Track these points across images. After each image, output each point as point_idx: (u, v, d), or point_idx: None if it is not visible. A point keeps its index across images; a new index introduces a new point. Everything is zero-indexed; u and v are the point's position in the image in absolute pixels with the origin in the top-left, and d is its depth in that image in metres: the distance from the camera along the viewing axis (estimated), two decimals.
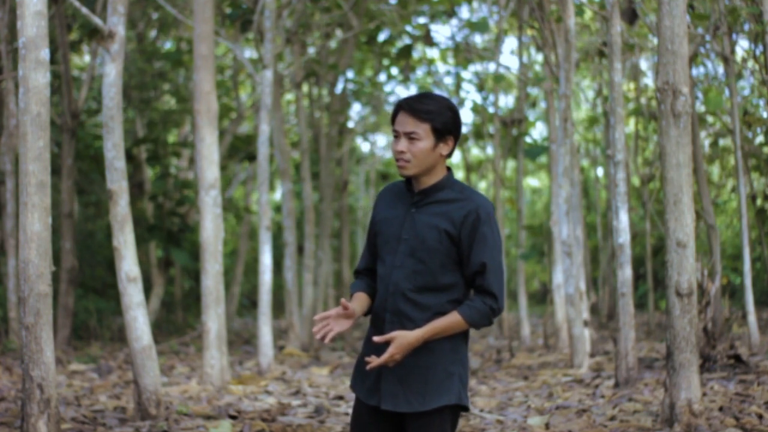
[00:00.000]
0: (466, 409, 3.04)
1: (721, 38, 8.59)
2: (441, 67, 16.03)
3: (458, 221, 2.93)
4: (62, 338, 9.93)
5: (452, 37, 13.52)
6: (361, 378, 3.07)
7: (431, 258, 2.94)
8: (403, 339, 2.88)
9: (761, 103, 10.65)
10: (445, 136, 2.95)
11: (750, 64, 10.49)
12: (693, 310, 5.02)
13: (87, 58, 14.06)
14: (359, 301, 3.04)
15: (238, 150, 13.44)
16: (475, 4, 13.63)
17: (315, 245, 12.69)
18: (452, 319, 2.92)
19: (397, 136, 2.98)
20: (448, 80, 16.23)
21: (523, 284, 12.29)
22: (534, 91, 14.03)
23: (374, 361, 2.88)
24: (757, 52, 8.96)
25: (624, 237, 6.86)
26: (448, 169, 3.05)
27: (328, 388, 7.77)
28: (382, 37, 13.14)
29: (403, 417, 2.99)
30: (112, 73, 5.85)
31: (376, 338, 2.90)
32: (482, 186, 20.80)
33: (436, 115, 2.93)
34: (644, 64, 13.46)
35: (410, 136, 2.94)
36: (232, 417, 6.11)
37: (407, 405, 2.94)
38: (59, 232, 10.28)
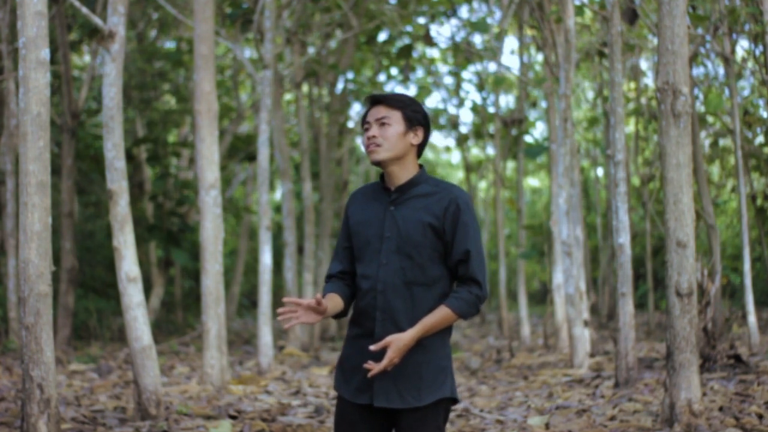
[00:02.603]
0: (456, 401, 3.07)
1: (721, 38, 8.59)
2: (441, 67, 16.04)
3: (440, 213, 2.97)
4: (62, 338, 9.93)
5: (452, 37, 13.53)
6: (344, 378, 3.06)
7: (418, 252, 2.97)
8: (399, 342, 2.89)
9: (761, 103, 10.65)
10: (414, 125, 3.04)
11: (750, 64, 10.49)
12: (693, 310, 5.02)
13: (87, 58, 14.06)
14: (332, 302, 3.03)
15: (238, 150, 13.45)
16: (475, 4, 13.64)
17: (315, 245, 12.70)
18: (442, 314, 2.95)
19: (368, 128, 3.04)
20: (448, 80, 16.25)
21: (523, 284, 12.29)
22: (534, 91, 14.03)
23: (375, 367, 2.88)
24: (757, 52, 8.97)
25: (624, 237, 6.86)
26: (421, 166, 3.09)
27: (328, 388, 7.78)
28: (382, 37, 13.15)
29: (395, 413, 2.99)
30: (112, 73, 5.85)
31: (373, 347, 2.90)
32: (482, 186, 20.81)
33: (407, 104, 3.04)
34: (644, 64, 13.47)
35: (382, 122, 3.01)
36: (232, 417, 6.11)
37: (401, 401, 2.95)
38: (59, 232, 10.29)
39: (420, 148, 3.08)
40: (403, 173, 3.04)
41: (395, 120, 3.01)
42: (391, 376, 2.95)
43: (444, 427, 3.03)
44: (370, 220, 3.05)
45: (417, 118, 3.03)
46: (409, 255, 2.97)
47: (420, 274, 2.97)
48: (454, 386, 3.03)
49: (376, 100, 3.05)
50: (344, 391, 3.05)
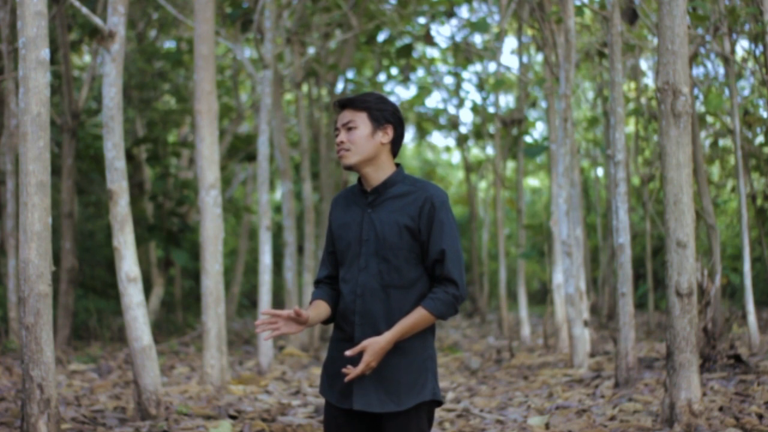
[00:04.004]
0: (440, 403, 3.05)
1: (721, 38, 8.59)
2: (441, 67, 16.04)
3: (415, 213, 2.95)
4: (62, 338, 9.93)
5: (452, 37, 13.53)
6: (329, 383, 3.06)
7: (395, 255, 2.95)
8: (375, 345, 2.88)
9: (761, 103, 10.65)
10: (382, 123, 3.01)
11: (750, 64, 10.49)
12: (693, 310, 5.02)
13: (87, 58, 14.06)
14: (316, 309, 3.03)
15: (238, 150, 13.44)
16: (475, 4, 13.64)
17: (315, 245, 12.69)
18: (419, 315, 2.92)
19: (337, 134, 3.03)
20: (448, 80, 16.25)
21: (523, 284, 12.28)
22: (534, 90, 14.03)
23: (351, 371, 2.88)
24: (757, 52, 8.97)
25: (624, 237, 6.86)
26: (398, 165, 3.07)
27: None
28: (382, 37, 13.14)
29: (379, 418, 2.98)
30: (112, 73, 5.85)
31: (348, 352, 2.90)
32: (482, 186, 20.80)
33: (373, 104, 3.01)
34: (644, 64, 13.47)
35: (348, 126, 3.00)
36: (232, 417, 6.11)
37: (381, 405, 2.94)
38: (59, 232, 10.28)
39: (394, 146, 3.05)
40: (378, 174, 3.02)
41: (361, 122, 2.99)
42: (371, 381, 2.94)
43: (428, 429, 3.02)
44: (349, 223, 3.04)
45: (384, 116, 3.00)
46: (386, 258, 2.95)
47: (397, 277, 2.95)
48: (437, 388, 3.01)
49: (342, 104, 3.03)
50: (329, 396, 3.05)
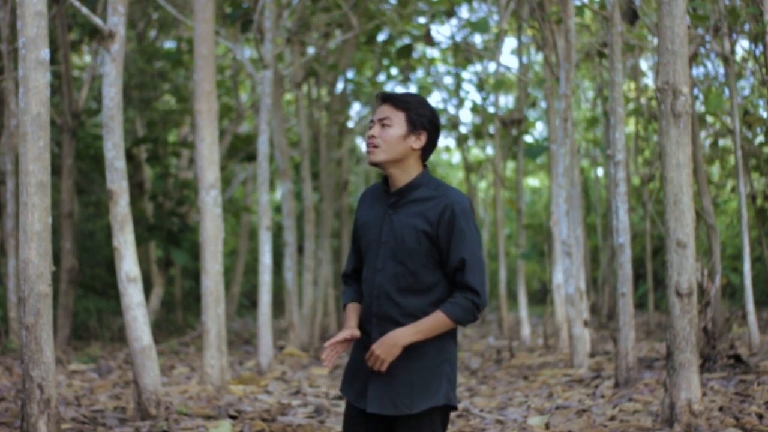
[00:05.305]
0: (455, 408, 3.03)
1: (721, 38, 8.59)
2: (441, 67, 16.04)
3: (435, 220, 2.91)
4: (62, 338, 9.93)
5: (452, 37, 13.53)
6: (349, 382, 3.06)
7: (412, 259, 2.93)
8: (384, 338, 2.90)
9: (761, 103, 10.65)
10: (418, 128, 2.96)
11: (750, 64, 10.50)
12: (693, 310, 5.02)
13: (87, 58, 14.06)
14: (355, 315, 3.06)
15: (238, 150, 13.45)
16: (475, 4, 13.64)
17: (315, 245, 12.69)
18: (437, 318, 2.90)
19: (371, 127, 3.00)
20: (448, 80, 16.26)
21: (523, 284, 12.28)
22: (534, 90, 14.04)
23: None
24: (757, 52, 8.97)
25: (624, 237, 6.86)
26: (425, 166, 3.04)
27: (328, 388, 7.78)
28: (382, 37, 13.14)
29: (393, 420, 2.97)
30: (112, 73, 5.85)
31: (372, 345, 2.95)
32: (482, 186, 20.81)
33: (414, 106, 2.97)
34: (644, 64, 13.47)
35: (383, 122, 2.96)
36: (232, 417, 6.11)
37: (393, 408, 2.93)
38: (59, 232, 10.28)
39: (425, 152, 3.01)
40: (403, 176, 2.98)
41: (397, 122, 2.94)
42: (385, 383, 2.94)
43: None
44: (371, 222, 3.02)
45: (421, 121, 2.96)
46: (402, 261, 2.93)
47: (413, 281, 2.93)
48: (452, 393, 2.97)
49: (384, 98, 2.99)
50: (348, 394, 3.06)
